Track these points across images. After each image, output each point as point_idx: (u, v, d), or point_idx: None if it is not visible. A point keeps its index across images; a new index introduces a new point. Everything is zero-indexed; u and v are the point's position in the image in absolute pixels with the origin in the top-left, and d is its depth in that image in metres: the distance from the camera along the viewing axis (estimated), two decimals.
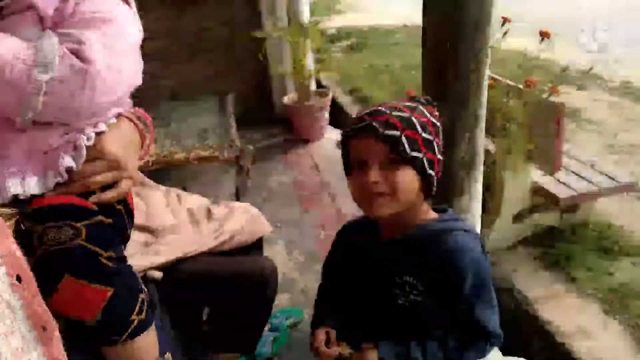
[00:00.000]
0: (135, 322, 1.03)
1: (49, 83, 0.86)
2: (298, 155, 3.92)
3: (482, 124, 1.63)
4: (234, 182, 2.42)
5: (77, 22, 0.95)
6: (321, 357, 1.07)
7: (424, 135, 0.95)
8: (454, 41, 1.47)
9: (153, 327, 1.08)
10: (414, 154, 0.94)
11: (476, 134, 1.59)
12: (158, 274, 1.48)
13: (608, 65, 6.16)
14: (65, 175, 0.97)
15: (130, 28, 1.05)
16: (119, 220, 1.07)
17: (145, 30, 1.12)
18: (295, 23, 3.90)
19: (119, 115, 1.07)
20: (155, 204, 1.69)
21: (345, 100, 6.70)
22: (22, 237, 0.88)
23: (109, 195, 1.02)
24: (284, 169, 3.71)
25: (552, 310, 2.64)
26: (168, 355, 1.15)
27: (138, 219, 1.30)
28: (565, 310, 2.63)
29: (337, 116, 4.67)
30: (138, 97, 1.14)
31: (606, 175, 3.23)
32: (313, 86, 4.39)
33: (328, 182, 3.35)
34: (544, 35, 2.56)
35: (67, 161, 0.96)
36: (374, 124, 0.93)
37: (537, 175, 3.31)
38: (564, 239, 3.23)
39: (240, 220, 1.70)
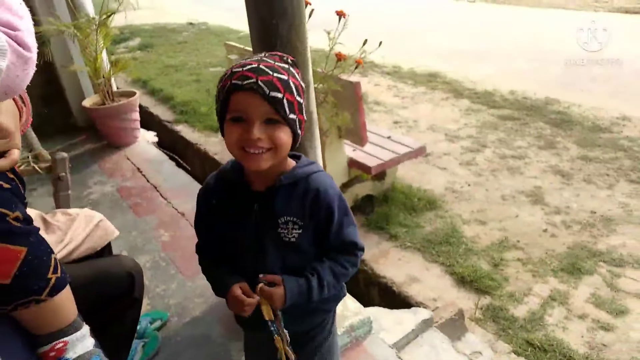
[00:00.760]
0: (53, 280, 1.04)
1: (4, 69, 0.91)
2: (114, 162, 3.53)
3: (312, 93, 1.73)
4: (51, 194, 2.04)
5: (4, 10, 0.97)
6: (245, 308, 1.09)
7: (298, 99, 1.04)
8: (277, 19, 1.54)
9: (68, 286, 1.09)
10: (292, 116, 1.02)
11: (308, 101, 1.69)
12: None
13: (379, 54, 7.11)
14: None
15: None
16: (15, 187, 1.08)
17: None
18: (86, 17, 3.46)
19: None
20: None
21: (148, 101, 6.32)
22: None
23: (3, 163, 1.05)
24: (102, 177, 3.32)
25: (384, 265, 2.96)
26: None
27: None
28: (394, 263, 2.98)
29: (142, 118, 4.35)
30: None
31: (402, 144, 3.75)
32: (114, 86, 3.99)
33: (156, 184, 3.14)
34: (340, 14, 2.79)
35: None
36: (260, 83, 0.96)
37: (349, 150, 3.67)
38: (379, 204, 3.65)
39: (85, 226, 1.48)
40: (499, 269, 2.87)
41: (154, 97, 6.38)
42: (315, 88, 2.52)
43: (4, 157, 1.07)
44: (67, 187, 2.02)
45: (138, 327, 1.70)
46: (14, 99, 1.16)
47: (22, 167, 2.19)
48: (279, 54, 1.05)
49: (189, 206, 2.85)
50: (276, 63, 1.01)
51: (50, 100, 4.11)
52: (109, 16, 3.42)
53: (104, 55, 3.75)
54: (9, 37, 0.94)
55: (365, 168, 3.52)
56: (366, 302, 2.16)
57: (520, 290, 2.70)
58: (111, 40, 3.82)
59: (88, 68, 3.67)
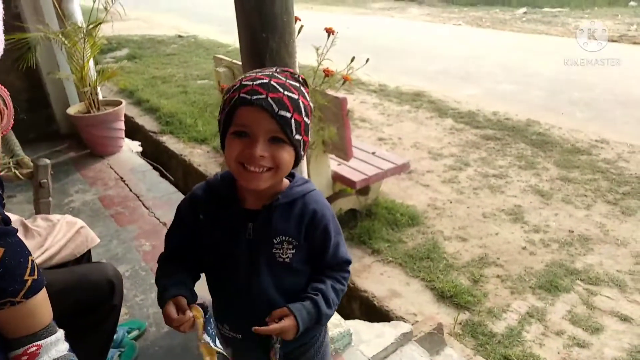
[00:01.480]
0: (29, 282, 1.01)
1: None
2: (97, 171, 3.50)
3: None
4: (31, 201, 2.01)
5: None
6: (177, 326, 1.03)
7: (305, 119, 1.00)
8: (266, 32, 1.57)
9: (44, 289, 1.07)
10: (297, 136, 0.98)
11: None
12: None
13: (364, 72, 7.21)
14: None
15: None
16: None
17: None
18: (74, 25, 3.46)
19: None
20: None
21: (134, 112, 6.30)
22: None
23: None
24: (84, 185, 3.29)
25: (366, 280, 2.97)
26: None
27: None
28: (376, 277, 2.99)
29: (127, 127, 4.33)
30: None
31: (386, 160, 3.80)
32: (100, 95, 3.97)
33: (139, 194, 3.13)
34: (329, 31, 2.84)
35: None
36: (270, 100, 0.92)
37: (334, 165, 3.71)
38: (362, 219, 3.68)
39: (65, 232, 1.47)
40: (479, 285, 2.90)
41: (140, 108, 6.36)
42: None
43: None
44: (49, 194, 2.00)
45: (115, 336, 1.67)
46: None
47: (2, 173, 2.17)
48: (291, 70, 1.02)
49: (172, 216, 2.82)
50: (287, 80, 0.98)
51: (34, 106, 4.08)
52: (97, 25, 3.42)
53: (91, 63, 3.75)
54: None
55: (349, 182, 3.55)
56: (346, 315, 2.16)
57: (499, 306, 2.73)
58: (99, 50, 3.82)
59: (74, 76, 3.66)
